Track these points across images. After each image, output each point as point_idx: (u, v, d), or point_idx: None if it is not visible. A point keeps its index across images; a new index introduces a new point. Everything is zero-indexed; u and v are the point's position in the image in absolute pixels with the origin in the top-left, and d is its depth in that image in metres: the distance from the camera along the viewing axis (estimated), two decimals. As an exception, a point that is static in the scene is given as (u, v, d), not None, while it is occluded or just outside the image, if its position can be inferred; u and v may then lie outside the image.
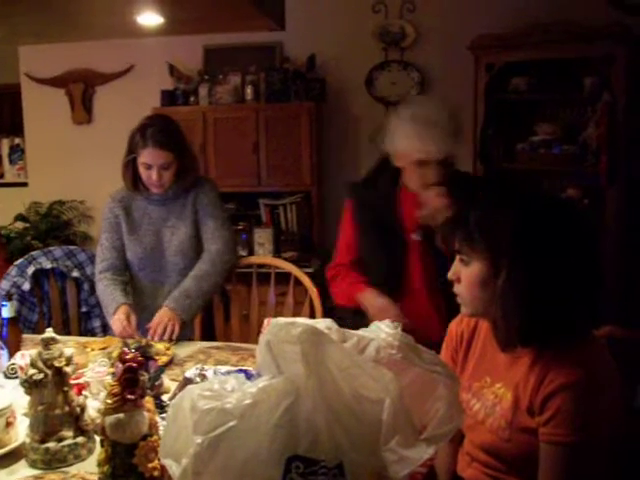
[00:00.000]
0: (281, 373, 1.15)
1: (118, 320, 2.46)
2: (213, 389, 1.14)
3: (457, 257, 1.50)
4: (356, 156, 4.87)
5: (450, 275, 1.52)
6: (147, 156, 2.58)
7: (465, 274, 1.47)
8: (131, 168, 2.65)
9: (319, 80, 4.60)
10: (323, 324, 1.25)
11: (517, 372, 1.45)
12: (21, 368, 1.94)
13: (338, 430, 1.11)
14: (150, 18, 1.76)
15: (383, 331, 1.21)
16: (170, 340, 2.39)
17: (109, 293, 2.60)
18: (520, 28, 4.08)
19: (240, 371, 1.30)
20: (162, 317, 2.46)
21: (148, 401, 1.40)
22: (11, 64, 5.47)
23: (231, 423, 1.08)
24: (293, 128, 4.44)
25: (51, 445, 1.54)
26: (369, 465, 1.14)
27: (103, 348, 2.27)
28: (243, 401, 1.09)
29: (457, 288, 1.51)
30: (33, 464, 1.55)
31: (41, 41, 4.03)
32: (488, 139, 4.26)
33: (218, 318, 2.76)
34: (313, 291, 2.59)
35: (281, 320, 1.16)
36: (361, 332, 1.27)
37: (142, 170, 2.62)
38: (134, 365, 1.33)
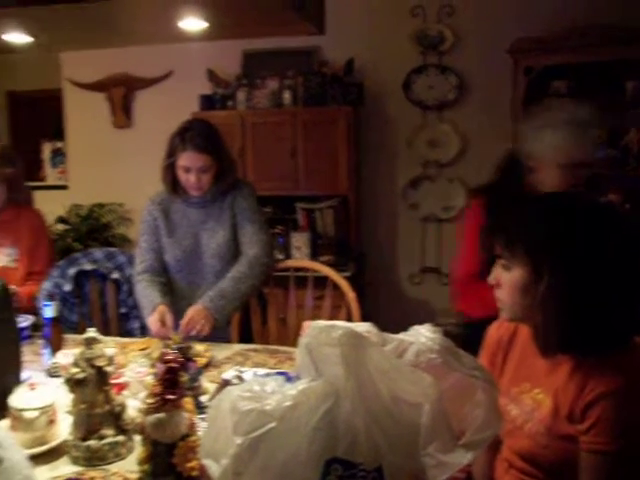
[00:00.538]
0: (320, 376, 1.15)
1: (154, 320, 2.49)
2: (253, 390, 1.15)
3: (498, 262, 1.49)
4: (393, 160, 4.87)
5: (490, 280, 1.51)
6: (186, 159, 2.61)
7: (506, 279, 1.46)
8: (170, 171, 2.68)
9: (357, 84, 4.60)
10: (363, 327, 1.25)
11: (557, 379, 1.43)
12: (64, 367, 1.97)
13: (377, 433, 1.11)
14: (193, 23, 1.78)
15: (423, 335, 1.21)
16: (198, 339, 2.40)
17: (147, 294, 2.63)
18: (559, 31, 4.05)
19: (280, 373, 1.31)
20: (194, 315, 2.46)
21: (187, 402, 1.42)
22: (53, 70, 5.57)
23: (271, 425, 1.09)
24: (330, 132, 4.44)
25: (92, 443, 1.57)
26: (407, 468, 1.14)
27: (142, 349, 2.30)
28: (283, 403, 1.10)
29: (497, 293, 1.50)
30: (75, 461, 1.58)
31: (82, 47, 4.11)
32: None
33: (255, 321, 2.77)
34: (350, 295, 2.59)
35: (321, 323, 1.16)
36: (401, 336, 1.27)
37: (181, 173, 2.64)
38: (175, 366, 1.35)
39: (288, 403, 1.10)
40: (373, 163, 4.86)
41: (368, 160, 4.85)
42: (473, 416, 1.22)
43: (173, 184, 2.70)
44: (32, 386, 1.68)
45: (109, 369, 1.59)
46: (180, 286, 2.76)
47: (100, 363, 1.58)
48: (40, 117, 6.53)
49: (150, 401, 1.36)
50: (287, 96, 4.58)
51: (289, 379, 1.25)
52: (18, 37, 2.01)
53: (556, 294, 1.36)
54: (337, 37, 4.77)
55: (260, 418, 1.10)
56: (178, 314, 2.59)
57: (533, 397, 1.48)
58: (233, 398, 1.14)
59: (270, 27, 1.98)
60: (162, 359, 1.37)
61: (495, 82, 4.52)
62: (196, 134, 2.63)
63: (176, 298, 2.74)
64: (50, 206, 5.35)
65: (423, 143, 4.79)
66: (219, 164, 2.66)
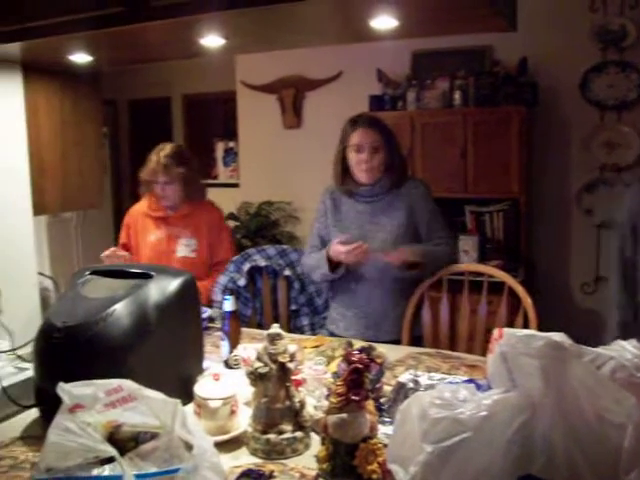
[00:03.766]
0: (515, 386, 1.11)
1: (337, 244, 2.61)
2: (444, 398, 1.12)
3: None
4: (568, 163, 4.65)
5: None
6: (357, 137, 2.66)
7: None
8: (341, 162, 2.74)
9: (530, 84, 4.43)
10: (556, 338, 1.19)
11: None
12: (244, 360, 2.02)
13: (576, 452, 1.05)
14: (384, 22, 1.78)
15: (629, 351, 1.13)
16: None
17: (316, 256, 2.76)
18: None
19: (468, 381, 1.27)
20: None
21: (370, 403, 1.41)
22: (228, 73, 5.81)
23: (465, 434, 1.05)
24: (502, 133, 4.29)
25: (272, 437, 1.60)
26: (606, 493, 1.07)
27: (316, 346, 2.32)
28: (478, 413, 1.06)
29: None
30: (254, 452, 1.61)
31: (263, 49, 4.25)
32: None
33: (426, 325, 2.72)
34: (527, 302, 2.48)
35: (518, 332, 1.11)
36: (599, 349, 1.19)
37: (352, 156, 2.69)
38: (360, 366, 1.34)
39: (483, 413, 1.06)
40: (546, 166, 4.67)
41: (541, 162, 4.66)
42: (681, 443, 1.13)
43: (343, 176, 2.74)
44: (216, 377, 1.74)
45: (291, 365, 1.62)
46: (340, 280, 2.76)
47: (283, 359, 1.60)
48: (214, 118, 6.85)
49: (333, 400, 1.36)
50: (457, 96, 4.50)
51: (479, 387, 1.21)
52: (213, 40, 2.12)
53: None
54: (510, 35, 4.60)
55: (453, 427, 1.06)
56: (338, 308, 2.66)
57: None
58: (424, 404, 1.12)
59: (460, 24, 1.93)
60: (347, 359, 1.37)
61: (684, 80, 4.21)
62: (367, 116, 2.78)
63: (337, 292, 2.76)
64: (222, 203, 5.55)
65: (600, 145, 4.54)
66: (388, 149, 2.69)
